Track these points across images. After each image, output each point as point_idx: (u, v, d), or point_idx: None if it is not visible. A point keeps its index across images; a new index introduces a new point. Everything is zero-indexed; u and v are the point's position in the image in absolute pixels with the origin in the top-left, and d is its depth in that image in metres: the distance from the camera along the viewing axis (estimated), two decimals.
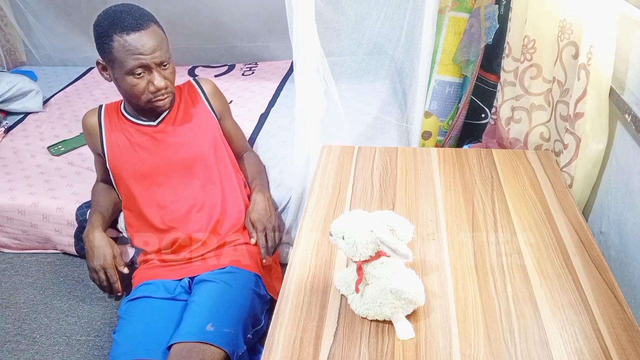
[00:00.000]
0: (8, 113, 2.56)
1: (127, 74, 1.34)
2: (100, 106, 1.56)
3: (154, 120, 1.50)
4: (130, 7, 1.36)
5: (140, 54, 1.31)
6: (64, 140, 2.30)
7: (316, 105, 1.52)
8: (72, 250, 1.95)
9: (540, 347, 0.86)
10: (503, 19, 1.79)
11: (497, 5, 1.83)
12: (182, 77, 3.02)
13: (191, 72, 2.87)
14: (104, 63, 1.39)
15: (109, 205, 1.58)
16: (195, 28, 2.87)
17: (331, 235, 0.92)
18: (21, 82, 2.54)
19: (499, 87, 1.61)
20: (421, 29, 1.58)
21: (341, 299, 0.97)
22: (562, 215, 1.16)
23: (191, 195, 1.50)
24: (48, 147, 2.25)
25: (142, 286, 1.42)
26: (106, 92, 2.76)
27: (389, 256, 0.90)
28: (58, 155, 2.21)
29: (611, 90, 1.18)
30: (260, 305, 1.42)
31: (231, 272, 1.42)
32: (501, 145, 1.61)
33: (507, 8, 1.70)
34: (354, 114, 2.01)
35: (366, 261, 0.91)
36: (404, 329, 0.89)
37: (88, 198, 1.93)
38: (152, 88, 1.37)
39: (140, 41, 1.31)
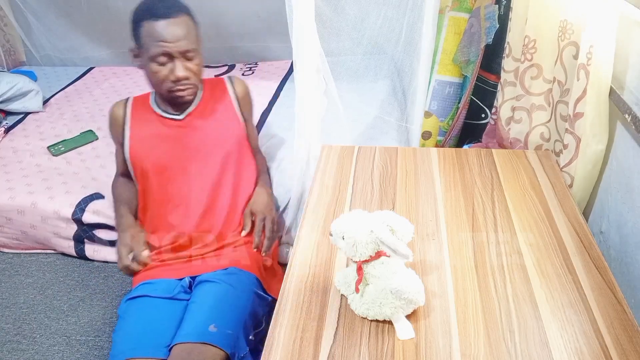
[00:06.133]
0: (8, 113, 2.56)
1: (151, 61, 1.35)
2: (128, 98, 1.57)
3: (179, 114, 1.50)
4: None
5: (164, 41, 1.32)
6: (64, 140, 2.30)
7: (316, 105, 1.52)
8: (72, 252, 1.95)
9: (540, 347, 0.86)
10: (503, 19, 1.79)
11: (497, 5, 1.83)
12: None
13: None
14: (136, 50, 1.40)
15: (132, 198, 1.57)
16: None
17: (331, 235, 0.92)
18: (21, 82, 2.54)
19: (499, 87, 1.61)
20: (421, 29, 1.58)
21: (341, 299, 0.97)
22: (562, 215, 1.16)
23: (204, 195, 1.49)
24: (48, 147, 2.25)
25: (142, 285, 1.42)
26: (106, 92, 2.76)
27: (389, 256, 0.90)
28: (58, 155, 2.21)
29: (611, 90, 1.18)
30: (261, 307, 1.42)
31: (233, 273, 1.41)
32: (501, 145, 1.61)
33: (507, 8, 1.70)
34: (354, 114, 2.01)
35: (366, 261, 0.91)
36: (404, 329, 0.89)
37: (84, 196, 1.94)
38: (172, 77, 1.37)
39: (166, 29, 1.32)
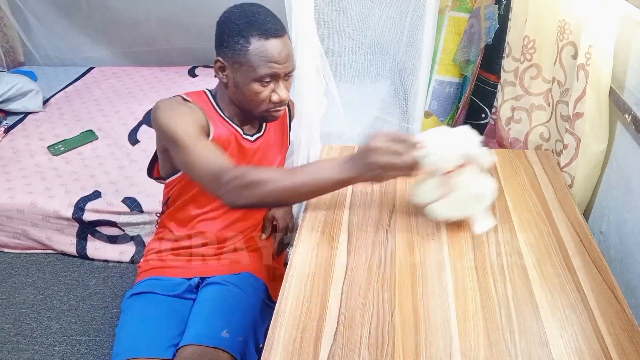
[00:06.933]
0: (8, 113, 2.56)
1: (255, 81, 1.24)
2: (180, 96, 1.33)
3: (251, 136, 1.41)
4: (266, 9, 1.27)
5: (276, 62, 1.23)
6: (64, 140, 2.30)
7: (316, 105, 1.52)
8: (73, 250, 1.95)
9: (540, 347, 0.86)
10: (503, 19, 1.79)
11: (497, 5, 1.83)
12: (182, 77, 3.03)
13: (191, 72, 2.86)
14: (224, 63, 1.27)
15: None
16: (195, 28, 2.87)
17: (420, 147, 1.00)
18: (21, 82, 2.54)
19: (499, 87, 1.61)
20: (422, 29, 1.58)
21: (341, 298, 0.97)
22: (562, 215, 1.16)
23: (243, 213, 1.44)
24: (48, 147, 2.25)
25: (147, 280, 1.38)
26: (106, 92, 2.77)
27: (471, 165, 1.03)
28: (58, 155, 2.21)
29: (611, 90, 1.18)
30: (269, 315, 1.39)
31: (245, 278, 1.39)
32: (501, 145, 1.61)
33: (507, 8, 1.70)
34: (354, 114, 2.01)
35: (451, 171, 1.03)
36: (483, 224, 1.08)
37: (82, 196, 1.93)
38: (275, 98, 1.28)
39: (277, 49, 1.22)
